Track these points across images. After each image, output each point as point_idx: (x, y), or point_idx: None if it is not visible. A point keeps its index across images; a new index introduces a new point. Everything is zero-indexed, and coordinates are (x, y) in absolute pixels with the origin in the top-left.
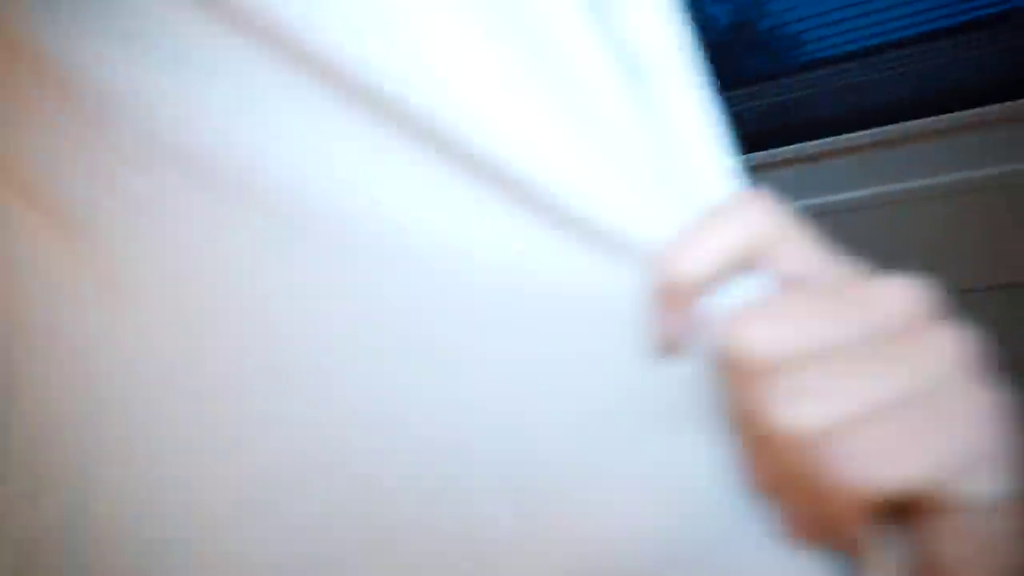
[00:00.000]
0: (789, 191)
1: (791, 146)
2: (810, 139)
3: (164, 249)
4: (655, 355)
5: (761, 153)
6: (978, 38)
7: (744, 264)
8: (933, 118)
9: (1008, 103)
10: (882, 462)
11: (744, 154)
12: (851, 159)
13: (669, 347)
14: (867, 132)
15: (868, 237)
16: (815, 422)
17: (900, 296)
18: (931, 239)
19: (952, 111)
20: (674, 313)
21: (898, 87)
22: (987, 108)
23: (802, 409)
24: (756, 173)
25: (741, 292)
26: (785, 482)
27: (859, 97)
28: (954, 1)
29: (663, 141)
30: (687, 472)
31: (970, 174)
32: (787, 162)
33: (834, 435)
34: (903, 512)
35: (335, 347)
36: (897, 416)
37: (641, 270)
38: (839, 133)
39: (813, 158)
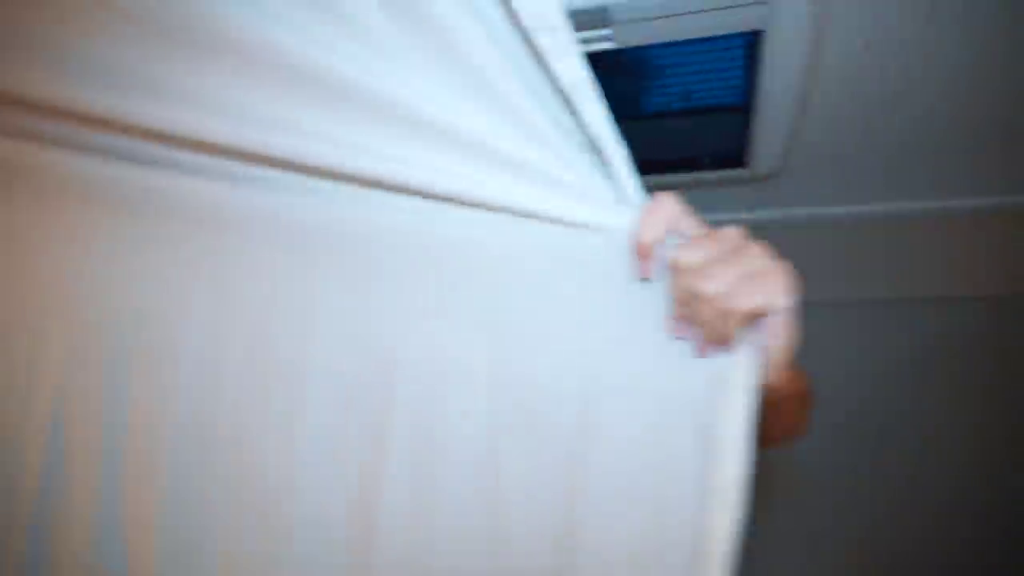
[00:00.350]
0: None
1: None
2: None
3: None
4: (637, 280)
5: None
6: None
7: (671, 231)
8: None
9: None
10: (748, 298)
11: None
12: None
13: (643, 275)
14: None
15: None
16: (715, 287)
17: (735, 232)
18: None
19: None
20: (644, 257)
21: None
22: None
23: (710, 284)
24: None
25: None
26: (700, 318)
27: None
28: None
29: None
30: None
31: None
32: None
33: (727, 293)
34: (752, 320)
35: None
36: (748, 280)
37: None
38: None
39: None
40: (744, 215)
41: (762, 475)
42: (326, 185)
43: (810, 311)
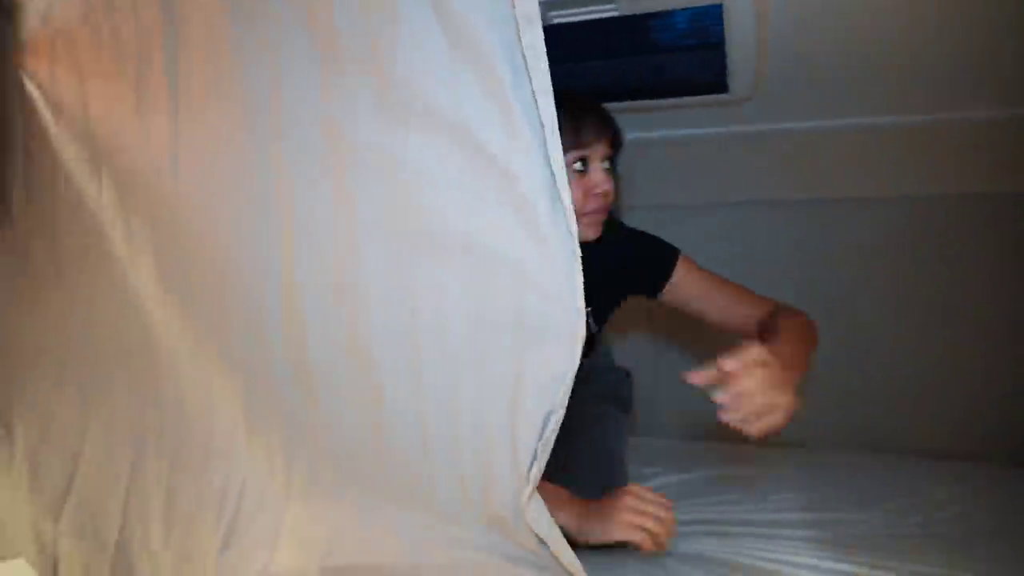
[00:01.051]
0: None
1: None
2: None
3: None
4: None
5: None
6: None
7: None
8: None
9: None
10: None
11: None
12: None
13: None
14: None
15: None
16: (757, 402)
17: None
18: None
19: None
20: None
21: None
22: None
23: (756, 399)
24: None
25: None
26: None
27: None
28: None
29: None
30: None
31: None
32: None
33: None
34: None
35: None
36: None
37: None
38: None
39: None
40: (731, 128)
41: None
42: None
43: (783, 207)
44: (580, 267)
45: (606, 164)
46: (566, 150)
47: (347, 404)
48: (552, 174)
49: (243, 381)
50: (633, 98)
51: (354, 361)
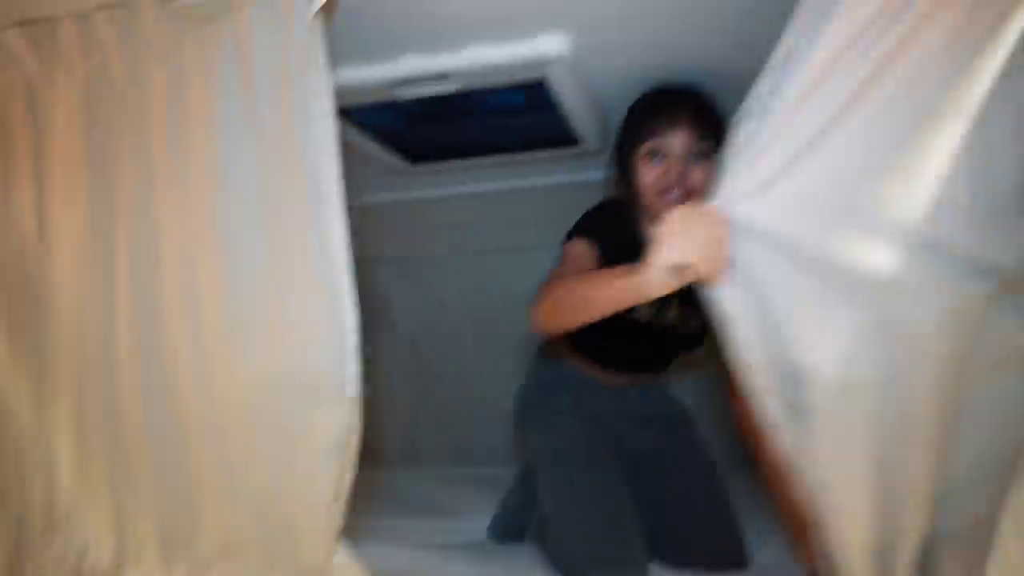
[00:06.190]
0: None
1: None
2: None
3: None
4: None
5: None
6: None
7: None
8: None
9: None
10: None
11: None
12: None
13: None
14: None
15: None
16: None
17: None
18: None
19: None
20: None
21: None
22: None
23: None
24: None
25: None
26: None
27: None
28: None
29: None
30: None
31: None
32: None
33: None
34: None
35: None
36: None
37: None
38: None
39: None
40: (585, 176)
41: None
42: None
43: None
44: (355, 338)
45: (687, 152)
46: (636, 143)
47: (166, 469)
48: (332, 244)
49: (80, 443)
50: (498, 152)
51: (171, 424)
